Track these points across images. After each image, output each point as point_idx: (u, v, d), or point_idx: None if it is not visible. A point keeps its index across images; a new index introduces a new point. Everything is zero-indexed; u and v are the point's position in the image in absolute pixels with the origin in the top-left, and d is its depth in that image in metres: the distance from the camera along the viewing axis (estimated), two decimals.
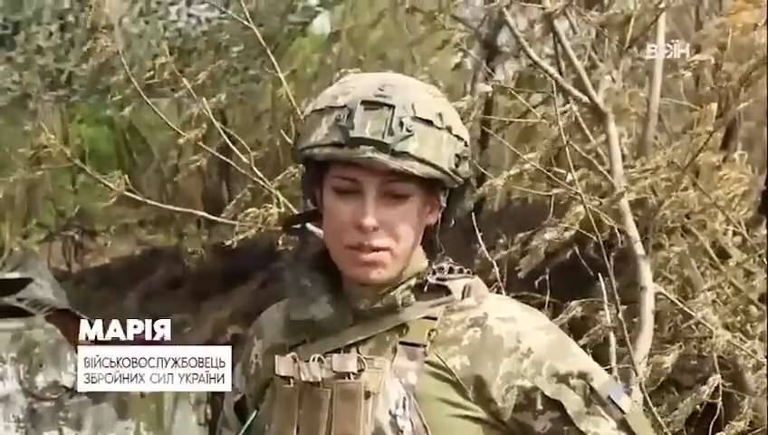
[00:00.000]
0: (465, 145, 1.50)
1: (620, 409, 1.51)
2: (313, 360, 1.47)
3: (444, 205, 1.53)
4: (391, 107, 1.42)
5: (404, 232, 1.47)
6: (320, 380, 1.47)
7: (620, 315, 2.71)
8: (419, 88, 1.49)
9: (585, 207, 2.98)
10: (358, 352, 1.50)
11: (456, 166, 1.47)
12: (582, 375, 1.51)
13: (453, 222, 1.58)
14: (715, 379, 2.99)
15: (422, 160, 1.42)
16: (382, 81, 1.47)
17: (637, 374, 2.79)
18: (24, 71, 7.93)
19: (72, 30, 7.92)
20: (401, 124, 1.41)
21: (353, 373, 1.45)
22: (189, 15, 8.43)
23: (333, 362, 1.47)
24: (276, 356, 1.52)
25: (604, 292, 2.91)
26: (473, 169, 1.56)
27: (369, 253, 1.46)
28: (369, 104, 1.42)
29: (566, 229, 3.29)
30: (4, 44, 7.89)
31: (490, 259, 3.28)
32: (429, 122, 1.44)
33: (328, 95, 1.48)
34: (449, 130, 1.46)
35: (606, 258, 2.68)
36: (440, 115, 1.46)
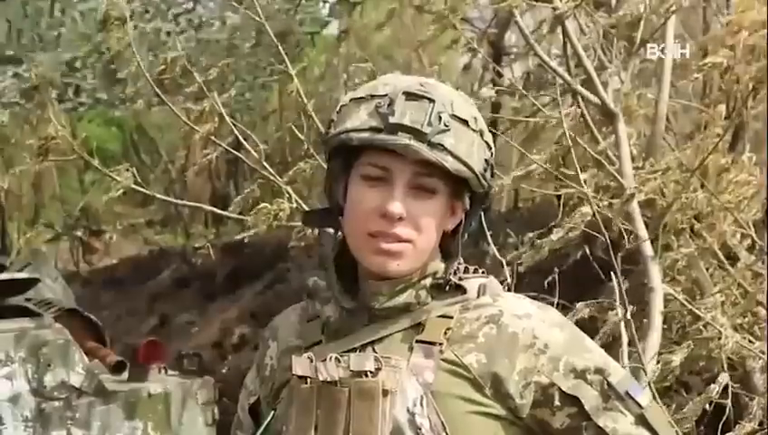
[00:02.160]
0: (492, 155, 1.53)
1: (638, 404, 1.51)
2: (330, 359, 1.48)
3: (466, 209, 1.54)
4: (432, 101, 1.45)
5: (427, 227, 1.48)
6: (337, 379, 1.47)
7: (629, 315, 2.71)
8: (456, 92, 1.52)
9: (592, 206, 2.98)
10: (374, 351, 1.50)
11: (485, 171, 1.49)
12: (600, 371, 1.52)
13: (466, 236, 1.59)
14: (724, 377, 2.99)
15: (456, 156, 1.44)
16: (423, 80, 1.51)
17: (646, 374, 2.79)
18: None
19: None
20: (440, 118, 1.44)
21: (371, 372, 1.46)
22: None
23: (351, 361, 1.47)
24: (293, 356, 1.52)
25: (617, 292, 2.91)
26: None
27: (391, 241, 1.47)
28: (411, 95, 1.45)
29: (571, 229, 3.29)
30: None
31: (500, 259, 3.29)
32: (465, 122, 1.47)
33: (367, 87, 1.51)
34: (481, 134, 1.50)
35: (614, 259, 2.68)
36: (475, 118, 1.49)
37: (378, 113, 1.44)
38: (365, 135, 1.45)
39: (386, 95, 1.46)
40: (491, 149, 1.52)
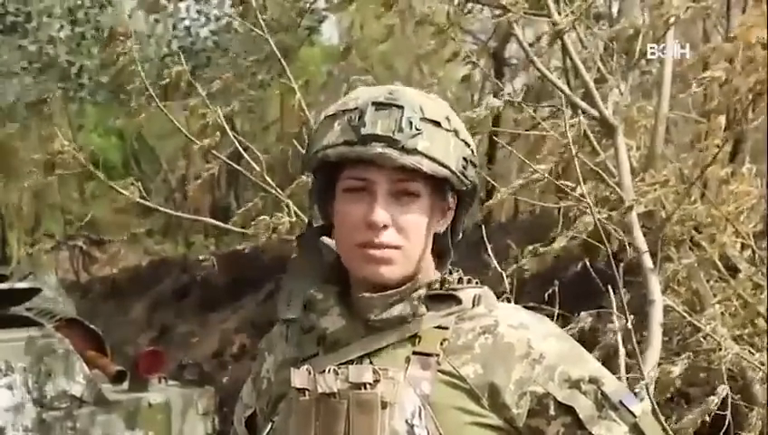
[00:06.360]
0: (472, 152, 1.54)
1: (632, 413, 1.52)
2: (329, 371, 1.49)
3: (452, 208, 1.56)
4: (401, 107, 1.47)
5: (414, 231, 1.50)
6: (336, 391, 1.48)
7: (630, 325, 2.72)
8: (425, 95, 1.54)
9: (594, 217, 2.99)
10: (371, 362, 1.51)
11: (464, 168, 1.51)
12: (594, 380, 1.53)
13: (461, 234, 1.60)
14: (723, 389, 2.99)
15: (431, 158, 1.46)
16: (391, 88, 1.53)
17: (647, 387, 2.79)
18: (35, 60, 7.93)
19: (83, 25, 7.94)
20: (410, 123, 1.46)
21: (369, 384, 1.47)
22: (198, 12, 8.47)
23: (349, 373, 1.48)
24: (291, 368, 1.53)
25: (614, 303, 2.91)
26: (482, 181, 1.59)
27: (379, 249, 1.48)
28: (380, 105, 1.47)
29: (573, 238, 3.29)
30: (15, 31, 7.89)
31: (500, 270, 3.29)
32: (437, 123, 1.49)
33: (339, 103, 1.53)
34: (456, 133, 1.51)
35: (615, 270, 2.68)
36: (447, 118, 1.51)
37: (350, 127, 1.47)
38: (341, 149, 1.47)
39: (356, 108, 1.48)
40: (470, 146, 1.53)
